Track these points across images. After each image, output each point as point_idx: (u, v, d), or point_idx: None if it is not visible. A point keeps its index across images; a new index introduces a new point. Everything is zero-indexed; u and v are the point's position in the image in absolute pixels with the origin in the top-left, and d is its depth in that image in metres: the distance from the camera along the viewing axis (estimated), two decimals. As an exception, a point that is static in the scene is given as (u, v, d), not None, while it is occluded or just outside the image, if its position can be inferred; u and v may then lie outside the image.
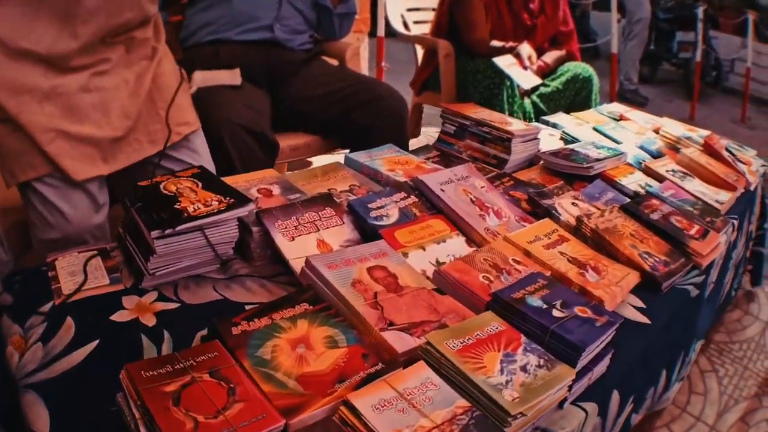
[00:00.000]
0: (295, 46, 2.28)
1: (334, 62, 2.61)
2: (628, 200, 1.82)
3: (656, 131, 2.56)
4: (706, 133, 2.65)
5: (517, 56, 2.85)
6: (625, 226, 1.60)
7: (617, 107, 2.88)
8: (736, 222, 1.98)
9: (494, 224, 1.52)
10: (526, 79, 2.88)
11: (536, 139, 2.03)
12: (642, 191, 1.91)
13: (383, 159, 1.82)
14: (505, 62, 2.86)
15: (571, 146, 2.10)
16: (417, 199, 1.54)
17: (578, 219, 1.55)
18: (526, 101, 2.92)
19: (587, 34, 8.34)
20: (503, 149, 1.93)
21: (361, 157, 1.80)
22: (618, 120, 2.68)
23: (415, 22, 3.62)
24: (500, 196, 1.67)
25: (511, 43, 2.92)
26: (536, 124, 2.50)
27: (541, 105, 2.98)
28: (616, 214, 1.65)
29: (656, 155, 2.27)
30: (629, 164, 2.13)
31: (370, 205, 1.46)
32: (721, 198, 2.04)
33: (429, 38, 3.20)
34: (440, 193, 1.55)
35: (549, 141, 2.23)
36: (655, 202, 1.77)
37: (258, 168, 1.67)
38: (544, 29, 3.08)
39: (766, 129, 6.99)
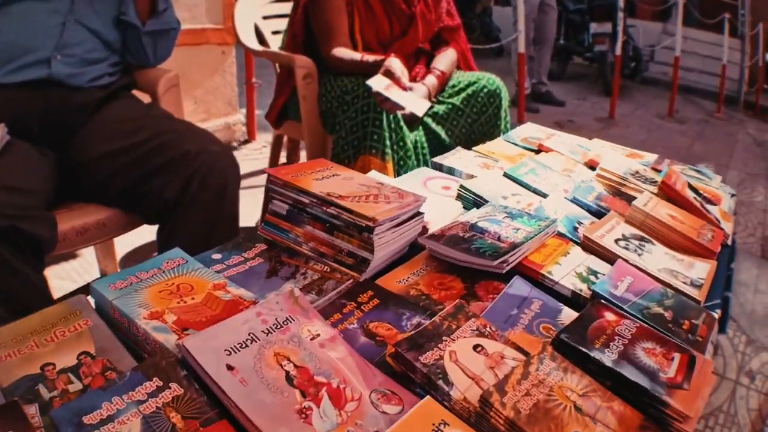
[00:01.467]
0: (85, 83, 1.74)
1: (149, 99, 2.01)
2: (563, 309, 1.15)
3: (590, 166, 1.92)
4: (653, 157, 2.16)
5: (389, 74, 2.13)
6: (563, 388, 0.92)
7: (533, 130, 2.30)
8: (718, 313, 1.35)
9: (328, 428, 0.81)
10: (414, 103, 2.19)
11: (418, 215, 1.33)
12: (585, 290, 1.24)
13: (150, 290, 1.08)
14: (382, 84, 2.14)
15: (473, 217, 1.42)
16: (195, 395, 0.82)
17: (483, 402, 0.86)
18: (414, 134, 2.23)
19: (489, 31, 7.84)
20: (362, 244, 1.22)
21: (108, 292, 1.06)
22: (537, 152, 2.03)
23: (275, 33, 2.92)
24: (349, 354, 0.96)
25: (369, 56, 2.22)
26: (424, 170, 1.81)
27: (436, 128, 2.31)
28: (548, 364, 0.96)
29: (595, 210, 1.62)
30: (561, 235, 1.46)
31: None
32: (697, 274, 1.41)
33: (284, 54, 2.47)
34: (223, 378, 0.83)
35: (440, 206, 1.55)
36: (607, 316, 1.10)
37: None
38: (425, 22, 2.44)
39: (697, 121, 6.61)
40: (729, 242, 1.70)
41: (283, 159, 3.07)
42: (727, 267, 1.65)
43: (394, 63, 2.13)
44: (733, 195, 2.07)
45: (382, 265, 1.30)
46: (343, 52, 2.28)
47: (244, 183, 3.00)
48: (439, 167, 1.86)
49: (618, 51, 5.67)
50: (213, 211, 1.64)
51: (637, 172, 1.85)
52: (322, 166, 1.44)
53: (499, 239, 1.30)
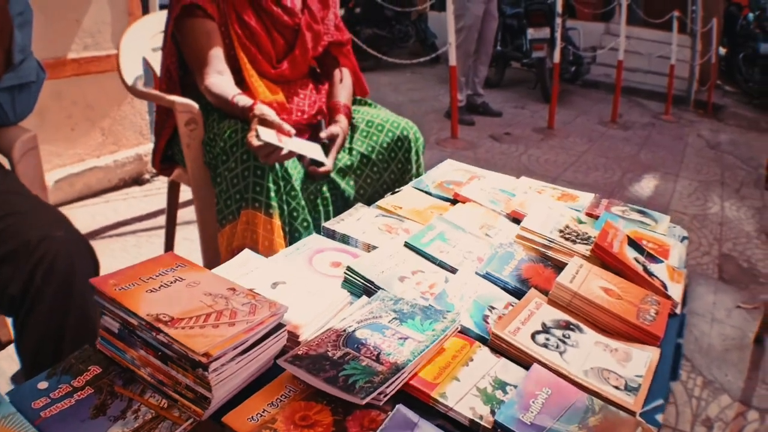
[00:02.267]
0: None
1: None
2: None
3: (514, 218, 1.68)
4: (589, 198, 1.94)
5: (265, 123, 1.81)
6: None
7: (451, 171, 2.10)
8: (661, 418, 1.12)
9: None
10: (311, 148, 1.91)
11: (279, 328, 1.06)
12: (486, 416, 0.99)
13: None
14: (270, 134, 1.85)
15: (352, 321, 1.15)
16: None
17: None
18: (313, 184, 1.96)
19: (425, 38, 7.63)
20: (197, 380, 0.95)
21: None
22: (453, 201, 1.78)
23: None
24: None
25: (240, 96, 1.92)
26: (313, 241, 1.54)
27: (339, 181, 2.04)
28: None
29: (513, 288, 1.37)
30: (465, 332, 1.20)
31: None
32: (634, 370, 1.18)
33: (166, 98, 2.16)
34: None
35: (322, 295, 1.28)
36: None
37: None
38: (313, 33, 2.16)
39: (644, 125, 6.47)
40: (678, 310, 1.46)
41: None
42: (675, 342, 1.41)
43: (265, 109, 1.83)
44: (684, 238, 1.86)
45: (231, 395, 1.03)
46: (216, 85, 1.96)
47: (156, 223, 2.67)
48: (331, 234, 1.59)
49: (556, 59, 5.47)
50: (60, 308, 1.37)
51: (567, 227, 1.61)
52: (168, 265, 1.17)
53: (377, 359, 1.03)
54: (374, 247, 1.50)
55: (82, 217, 3.18)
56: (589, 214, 1.82)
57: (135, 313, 1.02)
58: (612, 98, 6.43)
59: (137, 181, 3.65)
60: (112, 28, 3.38)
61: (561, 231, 1.58)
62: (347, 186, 2.07)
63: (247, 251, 1.42)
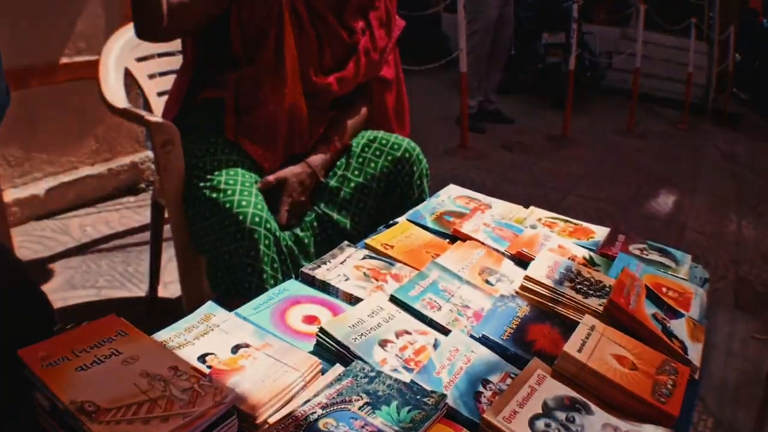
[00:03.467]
0: None
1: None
2: None
3: (519, 259, 1.48)
4: (603, 233, 1.74)
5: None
6: None
7: (454, 196, 1.92)
8: None
9: None
10: None
11: (227, 417, 0.87)
12: None
13: None
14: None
15: (315, 406, 0.98)
16: None
17: None
18: (288, 234, 1.77)
19: (439, 40, 7.40)
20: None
21: None
22: (452, 239, 1.59)
23: (153, 77, 2.37)
24: None
25: None
26: (290, 287, 1.35)
27: (338, 217, 1.88)
28: None
29: (513, 354, 1.17)
30: (453, 416, 1.01)
31: None
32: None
33: (139, 115, 1.96)
34: None
35: (288, 369, 1.08)
36: None
37: None
38: (368, 60, 1.94)
39: (660, 134, 6.22)
40: (697, 375, 1.25)
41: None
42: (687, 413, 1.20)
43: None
44: (705, 281, 1.64)
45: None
46: None
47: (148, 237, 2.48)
48: (310, 281, 1.39)
49: (572, 65, 5.24)
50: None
51: (579, 275, 1.40)
52: (107, 333, 0.99)
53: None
54: (357, 299, 1.31)
55: (73, 229, 3.01)
56: (603, 254, 1.61)
57: (59, 398, 0.84)
58: (628, 105, 6.18)
59: (132, 190, 3.47)
60: (106, 32, 3.19)
61: (571, 281, 1.37)
62: (341, 218, 1.88)
63: (210, 304, 1.22)
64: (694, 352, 1.27)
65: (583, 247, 1.65)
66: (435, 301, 1.29)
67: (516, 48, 6.77)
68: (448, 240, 1.63)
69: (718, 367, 2.77)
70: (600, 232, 1.76)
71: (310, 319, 1.25)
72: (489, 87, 5.69)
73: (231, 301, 1.38)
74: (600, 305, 1.31)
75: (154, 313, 2.43)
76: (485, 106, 5.71)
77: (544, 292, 1.33)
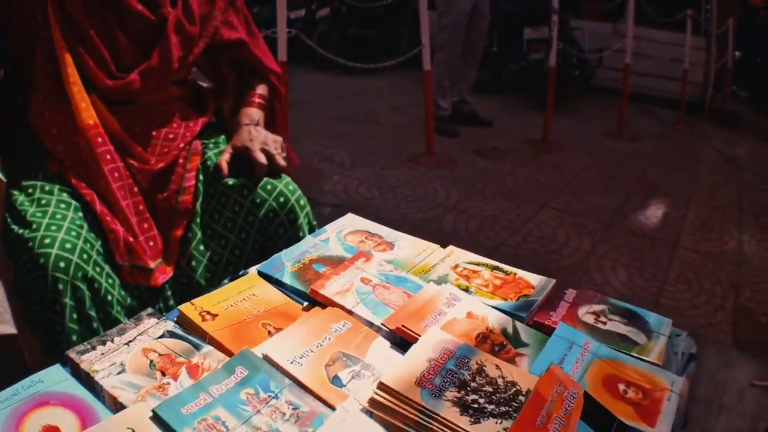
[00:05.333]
0: None
1: None
2: None
3: (399, 337, 1.00)
4: (546, 286, 1.27)
5: None
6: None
7: (340, 238, 1.41)
8: None
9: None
10: None
11: None
12: None
13: None
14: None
15: None
16: None
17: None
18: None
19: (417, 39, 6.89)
20: None
21: None
22: (311, 302, 1.12)
23: None
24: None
25: None
26: (51, 375, 0.85)
27: (196, 276, 1.44)
28: None
29: None
30: None
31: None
32: None
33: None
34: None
35: None
36: None
37: None
38: (183, 37, 1.47)
39: (652, 136, 5.72)
40: None
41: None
42: None
43: None
44: (691, 359, 1.15)
45: None
46: None
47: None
48: (75, 369, 0.89)
49: (552, 62, 4.72)
50: None
51: (480, 372, 0.91)
52: None
53: None
54: (122, 406, 0.81)
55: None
56: (537, 324, 1.11)
57: None
58: (619, 105, 5.67)
59: None
60: None
61: (462, 386, 0.86)
62: (203, 278, 1.41)
63: None
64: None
65: (507, 312, 1.14)
66: (222, 423, 0.78)
67: (499, 44, 6.26)
68: (306, 304, 1.11)
69: (708, 427, 2.31)
70: (541, 285, 1.26)
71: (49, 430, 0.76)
72: (463, 86, 5.17)
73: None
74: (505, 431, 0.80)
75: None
76: (460, 107, 5.19)
77: (407, 413, 0.82)
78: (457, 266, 1.30)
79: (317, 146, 4.41)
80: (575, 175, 4.41)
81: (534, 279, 1.28)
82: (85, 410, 0.85)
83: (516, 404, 0.85)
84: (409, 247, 1.37)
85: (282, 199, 1.47)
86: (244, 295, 1.11)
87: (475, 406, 0.84)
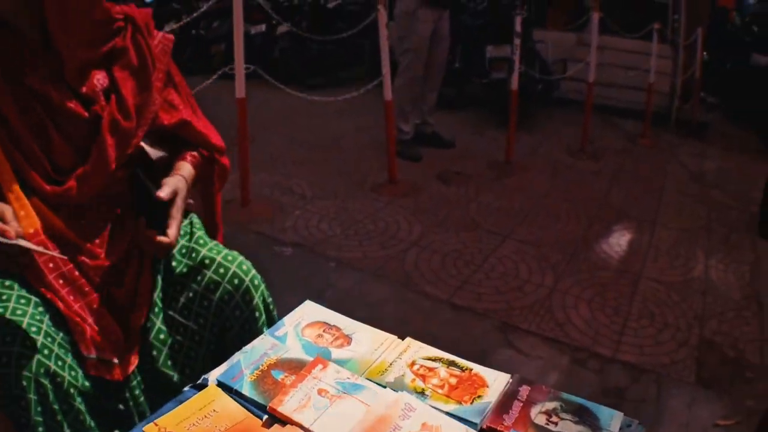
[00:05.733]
0: None
1: None
2: None
3: None
4: (501, 384, 1.34)
5: None
6: None
7: (298, 333, 1.46)
8: None
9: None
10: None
11: None
12: None
13: None
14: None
15: None
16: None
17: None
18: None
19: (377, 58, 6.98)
20: None
21: None
22: (272, 417, 1.20)
23: None
24: None
25: None
26: None
27: (163, 367, 1.55)
28: None
29: None
30: None
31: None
32: None
33: None
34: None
35: None
36: None
37: None
38: (119, 136, 1.49)
39: (617, 152, 5.88)
40: None
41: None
42: None
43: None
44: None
45: None
46: None
47: None
48: None
49: (514, 85, 4.84)
50: None
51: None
52: None
53: None
54: None
55: None
56: (489, 431, 1.20)
57: None
58: (583, 120, 5.79)
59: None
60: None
61: None
62: (167, 370, 1.47)
63: None
64: None
65: (461, 419, 1.22)
66: None
67: (461, 59, 6.37)
68: (266, 417, 1.19)
69: None
70: (496, 383, 1.35)
71: None
72: (425, 109, 5.27)
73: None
74: None
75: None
76: (422, 129, 5.29)
77: None
78: (413, 363, 1.38)
79: (277, 176, 4.48)
80: (538, 201, 4.53)
81: (490, 376, 1.36)
82: None
83: None
84: (367, 341, 1.44)
85: (236, 281, 1.55)
86: (206, 411, 1.17)
87: None
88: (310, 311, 1.56)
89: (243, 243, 3.44)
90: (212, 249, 1.61)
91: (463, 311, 3.13)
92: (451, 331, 2.97)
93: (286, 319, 1.51)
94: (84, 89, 1.46)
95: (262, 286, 1.61)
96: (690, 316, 3.29)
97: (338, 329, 1.49)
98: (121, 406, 1.48)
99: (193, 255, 1.59)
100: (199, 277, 1.55)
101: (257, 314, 1.57)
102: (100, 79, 1.48)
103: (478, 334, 2.97)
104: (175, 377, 1.55)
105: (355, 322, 1.54)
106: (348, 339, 1.46)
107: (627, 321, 3.19)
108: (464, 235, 3.89)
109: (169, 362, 1.55)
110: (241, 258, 1.60)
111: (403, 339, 1.49)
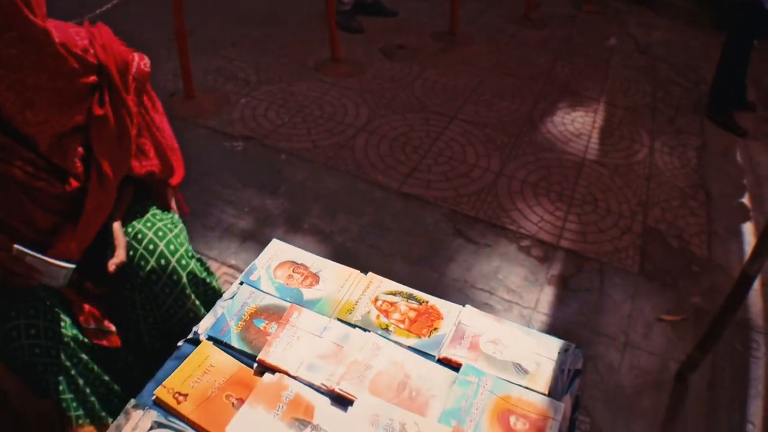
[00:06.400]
0: None
1: None
2: None
3: (338, 397, 1.40)
4: (453, 314, 1.64)
5: None
6: None
7: (270, 275, 1.72)
8: None
9: None
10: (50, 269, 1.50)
11: None
12: None
13: None
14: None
15: None
16: None
17: None
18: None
19: None
20: None
21: None
22: (262, 368, 1.49)
23: None
24: None
25: None
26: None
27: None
28: None
29: None
30: None
31: None
32: None
33: None
34: None
35: None
36: None
37: None
38: (102, 215, 1.68)
39: (562, 19, 5.99)
40: None
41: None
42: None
43: None
44: (575, 376, 1.56)
45: None
46: None
47: None
48: None
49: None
50: None
51: None
52: None
53: None
54: None
55: None
56: (445, 362, 1.53)
57: None
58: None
59: None
60: None
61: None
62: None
63: None
64: None
65: (422, 352, 1.54)
66: None
67: None
68: (256, 366, 1.48)
69: (612, 367, 2.63)
70: (450, 314, 1.65)
71: None
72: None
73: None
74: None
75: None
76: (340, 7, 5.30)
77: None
78: (377, 300, 1.67)
79: (219, 60, 4.54)
80: (484, 76, 4.68)
81: (443, 308, 1.67)
82: None
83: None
84: (333, 278, 1.72)
85: (163, 262, 1.72)
86: (204, 367, 1.45)
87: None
88: (278, 250, 1.81)
89: (192, 140, 3.60)
90: (148, 221, 1.77)
91: (413, 200, 3.36)
92: (403, 221, 3.20)
93: (258, 261, 1.76)
94: (59, 161, 1.54)
95: (191, 265, 1.77)
96: (633, 203, 3.52)
97: (306, 267, 1.76)
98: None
99: (128, 230, 1.76)
100: (131, 252, 1.71)
101: (187, 292, 1.77)
102: (77, 149, 1.56)
103: (429, 224, 3.22)
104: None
105: (320, 258, 1.80)
106: (316, 277, 1.73)
107: (570, 207, 3.42)
108: (411, 117, 4.08)
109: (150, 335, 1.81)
110: (170, 236, 1.76)
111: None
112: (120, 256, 1.64)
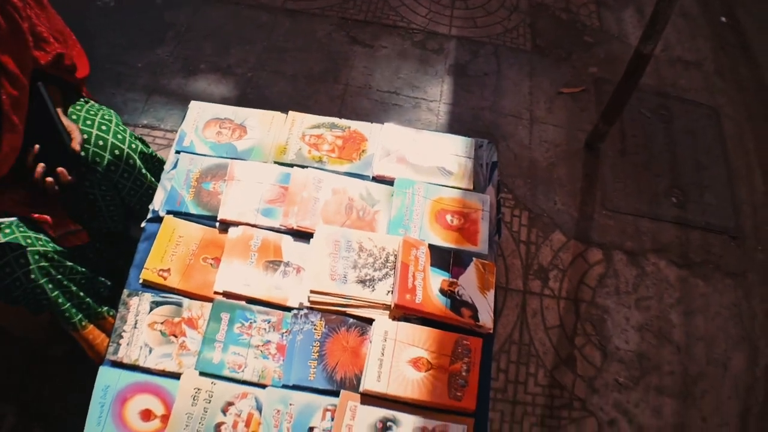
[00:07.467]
0: None
1: None
2: None
3: (297, 232, 1.76)
4: (374, 133, 2.00)
5: None
6: None
7: (199, 135, 2.00)
8: None
9: None
10: None
11: None
12: None
13: None
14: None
15: None
16: None
17: None
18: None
19: None
20: None
21: None
22: (223, 226, 1.83)
23: None
24: None
25: None
26: (108, 376, 1.65)
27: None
28: None
29: (322, 390, 1.51)
30: None
31: None
32: None
33: None
34: None
35: None
36: None
37: None
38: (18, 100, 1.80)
39: None
40: (492, 328, 1.63)
41: None
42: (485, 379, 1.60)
43: None
44: (493, 167, 1.94)
45: None
46: None
47: None
48: (120, 364, 1.62)
49: None
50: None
51: (362, 250, 1.69)
52: None
53: None
54: (170, 373, 1.56)
55: None
56: (380, 180, 1.88)
57: None
58: None
59: None
60: None
61: (355, 266, 1.65)
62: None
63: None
64: (485, 312, 1.62)
65: (358, 174, 1.88)
66: (238, 354, 1.56)
67: None
68: (219, 225, 1.79)
69: (522, 145, 2.93)
70: (373, 134, 1.97)
71: (146, 415, 1.51)
72: None
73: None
74: (388, 292, 1.61)
75: None
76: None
77: (333, 301, 1.61)
78: (304, 136, 1.95)
79: None
80: None
81: (366, 129, 1.98)
82: (154, 389, 1.53)
83: (390, 264, 1.65)
84: (258, 125, 1.98)
85: (117, 152, 1.97)
86: (174, 240, 1.74)
87: (368, 277, 1.64)
88: (199, 110, 2.03)
89: (62, 2, 3.60)
90: (85, 120, 1.97)
91: (300, 15, 3.49)
92: (296, 40, 3.36)
93: (184, 126, 1.97)
94: None
95: (140, 147, 2.05)
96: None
97: (230, 121, 2.00)
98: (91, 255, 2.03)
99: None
100: (83, 153, 1.90)
101: (143, 171, 2.04)
102: None
103: (322, 36, 3.39)
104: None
105: (240, 108, 2.03)
106: (243, 128, 1.98)
107: (455, -8, 3.52)
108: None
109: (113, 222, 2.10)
110: (113, 126, 2.00)
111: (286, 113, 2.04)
112: (78, 136, 1.84)
